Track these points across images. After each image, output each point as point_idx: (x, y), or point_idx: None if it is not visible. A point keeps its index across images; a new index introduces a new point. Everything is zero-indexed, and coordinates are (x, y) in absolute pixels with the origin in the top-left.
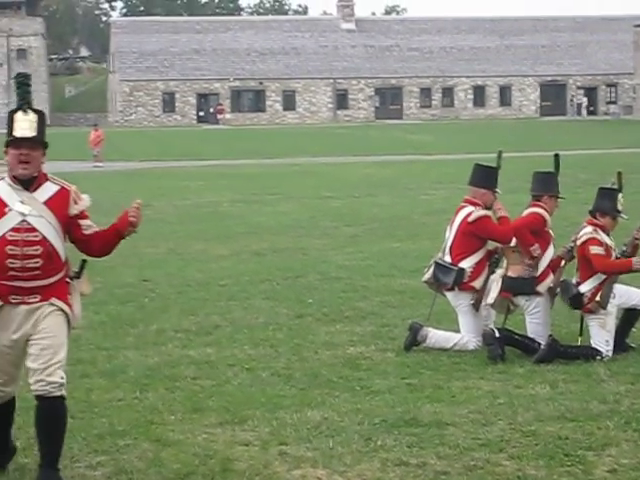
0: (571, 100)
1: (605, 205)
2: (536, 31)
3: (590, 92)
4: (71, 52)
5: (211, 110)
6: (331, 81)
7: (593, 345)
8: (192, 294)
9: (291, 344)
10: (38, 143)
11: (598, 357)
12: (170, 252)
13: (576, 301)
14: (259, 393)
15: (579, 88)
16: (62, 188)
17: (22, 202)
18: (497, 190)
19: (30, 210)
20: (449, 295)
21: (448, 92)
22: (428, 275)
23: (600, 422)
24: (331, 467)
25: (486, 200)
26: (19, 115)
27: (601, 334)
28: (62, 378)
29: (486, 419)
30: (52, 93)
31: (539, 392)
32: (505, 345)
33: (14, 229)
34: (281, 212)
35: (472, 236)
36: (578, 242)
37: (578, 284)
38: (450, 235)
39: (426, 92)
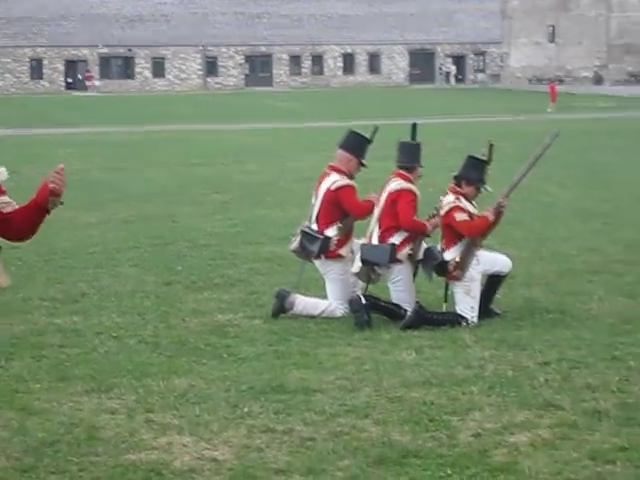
0: (440, 68)
1: (472, 175)
2: None
3: (458, 60)
4: None
5: (79, 77)
6: (201, 48)
7: (458, 311)
8: (59, 262)
9: (159, 312)
10: None
11: (463, 323)
12: None
13: (440, 268)
14: (126, 361)
15: (447, 56)
16: None
17: None
18: (364, 162)
19: None
20: (317, 263)
21: (318, 60)
22: (295, 244)
23: (465, 387)
24: (197, 434)
25: (350, 167)
26: None
27: (466, 300)
28: None
29: (352, 385)
30: None
31: (405, 358)
32: (371, 311)
33: None
34: (149, 179)
35: (336, 204)
36: (442, 211)
37: (442, 251)
38: (316, 203)
39: (296, 60)
